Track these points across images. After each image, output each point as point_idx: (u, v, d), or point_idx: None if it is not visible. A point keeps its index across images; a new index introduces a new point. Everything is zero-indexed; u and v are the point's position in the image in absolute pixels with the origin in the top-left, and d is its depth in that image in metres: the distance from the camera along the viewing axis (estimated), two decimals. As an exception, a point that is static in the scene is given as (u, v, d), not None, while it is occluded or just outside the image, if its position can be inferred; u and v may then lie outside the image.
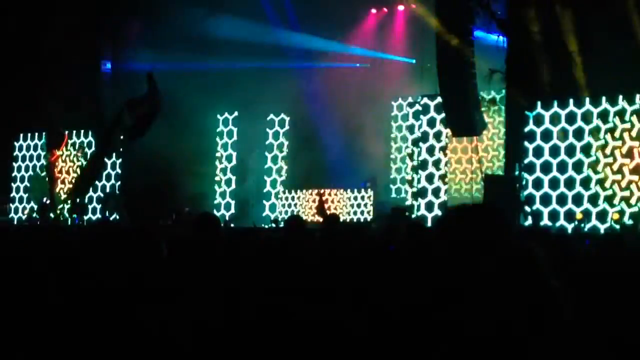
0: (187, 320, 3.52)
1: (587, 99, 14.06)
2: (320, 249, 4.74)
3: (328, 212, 16.01)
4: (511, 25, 13.34)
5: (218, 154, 19.93)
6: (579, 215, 13.77)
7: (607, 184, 13.69)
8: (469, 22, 13.77)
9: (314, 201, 18.13)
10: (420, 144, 16.72)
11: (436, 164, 16.48)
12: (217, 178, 19.79)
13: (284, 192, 19.38)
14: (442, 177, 16.48)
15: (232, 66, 20.23)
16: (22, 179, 20.55)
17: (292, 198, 19.03)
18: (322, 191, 16.20)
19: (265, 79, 19.55)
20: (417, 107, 17.49)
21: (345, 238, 4.08)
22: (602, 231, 13.28)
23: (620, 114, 13.78)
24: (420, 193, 16.56)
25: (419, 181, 16.77)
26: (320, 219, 10.35)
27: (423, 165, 16.70)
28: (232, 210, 19.38)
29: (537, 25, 12.98)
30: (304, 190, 18.90)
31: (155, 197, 17.20)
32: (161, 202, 16.81)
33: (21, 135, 20.70)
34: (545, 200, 14.22)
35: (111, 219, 17.37)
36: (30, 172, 20.17)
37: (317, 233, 6.70)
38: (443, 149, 16.56)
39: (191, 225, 4.67)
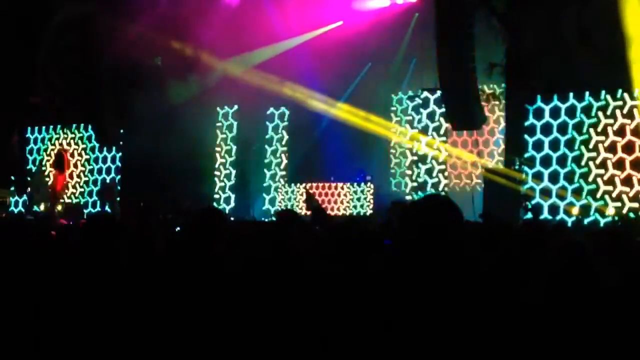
0: (185, 318, 3.50)
1: (587, 93, 14.08)
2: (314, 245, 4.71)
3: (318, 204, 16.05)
4: (511, 18, 13.29)
5: (218, 148, 19.94)
6: (575, 211, 13.79)
7: (609, 178, 13.74)
8: (469, 15, 13.73)
9: (301, 195, 18.12)
10: (421, 137, 16.77)
11: (436, 157, 16.54)
12: (216, 172, 19.80)
13: (283, 186, 19.36)
14: (442, 171, 16.56)
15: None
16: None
17: (293, 192, 18.98)
18: (308, 185, 16.12)
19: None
20: (417, 100, 17.54)
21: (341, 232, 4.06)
22: (602, 225, 13.28)
23: (622, 107, 13.81)
24: (421, 186, 16.62)
25: (419, 175, 16.82)
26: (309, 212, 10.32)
27: (423, 158, 16.76)
28: (232, 204, 19.40)
29: (537, 18, 12.93)
30: (300, 184, 18.82)
31: (154, 191, 17.18)
32: (160, 196, 16.78)
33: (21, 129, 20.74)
34: (546, 193, 14.26)
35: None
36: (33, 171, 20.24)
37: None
38: (443, 143, 16.63)
39: (192, 219, 4.60)
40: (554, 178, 14.26)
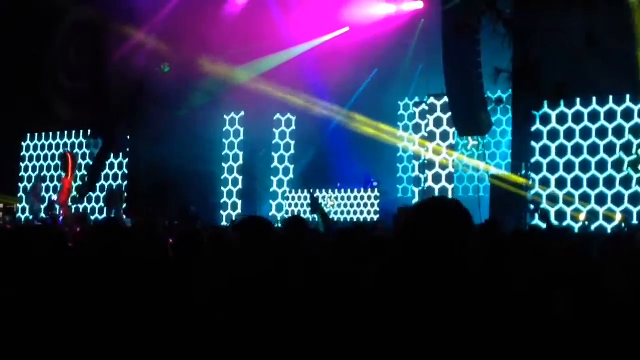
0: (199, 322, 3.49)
1: (594, 98, 14.06)
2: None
3: (326, 209, 16.04)
4: (517, 23, 13.27)
5: (225, 154, 19.99)
6: (582, 217, 13.76)
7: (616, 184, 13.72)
8: (475, 20, 13.73)
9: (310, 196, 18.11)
10: (427, 143, 16.83)
11: (443, 163, 16.56)
12: (223, 178, 19.85)
13: (290, 192, 19.38)
14: (449, 177, 16.58)
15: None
16: (29, 179, 20.64)
17: (299, 198, 18.99)
18: (311, 190, 16.11)
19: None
20: (424, 106, 17.57)
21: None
22: (609, 231, 13.25)
23: (629, 112, 13.79)
24: (427, 192, 16.64)
25: (425, 180, 16.83)
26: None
27: (430, 165, 16.79)
28: (239, 210, 19.43)
29: (544, 23, 12.91)
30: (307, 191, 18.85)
31: (161, 196, 17.22)
32: (167, 202, 16.81)
33: (28, 135, 20.81)
34: (552, 199, 14.23)
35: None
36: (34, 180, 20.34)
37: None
38: (450, 149, 16.65)
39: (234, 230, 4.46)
40: (560, 184, 14.23)
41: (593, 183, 13.90)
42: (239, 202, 19.56)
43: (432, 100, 17.02)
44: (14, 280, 3.59)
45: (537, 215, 13.87)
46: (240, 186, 19.70)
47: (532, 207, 13.91)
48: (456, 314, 2.44)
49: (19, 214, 20.02)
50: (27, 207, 19.45)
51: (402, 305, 2.49)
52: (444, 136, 16.90)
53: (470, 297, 2.47)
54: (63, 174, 18.38)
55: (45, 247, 3.85)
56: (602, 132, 13.94)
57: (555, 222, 13.80)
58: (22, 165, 20.82)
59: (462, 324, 2.42)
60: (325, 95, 18.57)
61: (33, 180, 20.34)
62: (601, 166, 13.87)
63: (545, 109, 14.47)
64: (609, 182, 13.75)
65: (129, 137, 18.84)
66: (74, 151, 19.70)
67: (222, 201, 19.70)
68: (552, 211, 14.13)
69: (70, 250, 4.88)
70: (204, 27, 17.53)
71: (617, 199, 13.62)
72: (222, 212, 19.63)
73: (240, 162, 19.84)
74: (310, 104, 18.48)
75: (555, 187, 14.25)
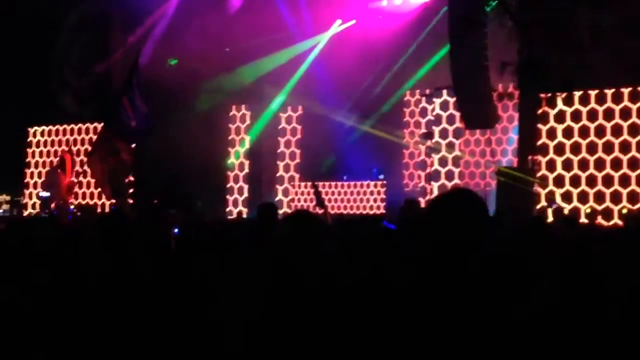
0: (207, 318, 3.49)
1: (601, 92, 14.03)
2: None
3: (328, 203, 16.06)
4: (524, 16, 13.24)
5: (230, 138, 20.05)
6: (588, 211, 13.75)
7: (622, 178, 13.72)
8: (481, 13, 13.69)
9: (311, 190, 18.12)
10: (433, 127, 16.79)
11: (449, 147, 16.53)
12: (229, 172, 19.90)
13: (298, 186, 19.39)
14: (455, 160, 16.53)
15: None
16: (36, 172, 20.70)
17: (305, 186, 19.02)
18: (315, 182, 16.15)
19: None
20: (430, 99, 17.55)
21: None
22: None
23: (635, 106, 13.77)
24: (434, 176, 16.64)
25: (430, 177, 16.82)
26: (320, 211, 10.11)
27: (436, 157, 16.78)
28: (245, 194, 19.53)
29: (550, 16, 12.88)
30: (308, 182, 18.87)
31: (167, 190, 17.25)
32: (173, 195, 16.84)
33: (35, 128, 20.85)
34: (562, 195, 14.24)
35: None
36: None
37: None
38: (456, 133, 16.59)
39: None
40: (566, 179, 14.21)
41: (599, 177, 13.87)
42: (245, 187, 19.68)
43: (438, 93, 17.00)
44: (15, 272, 3.59)
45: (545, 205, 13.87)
46: (246, 170, 19.80)
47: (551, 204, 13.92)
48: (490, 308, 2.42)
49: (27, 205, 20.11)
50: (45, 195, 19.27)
51: (436, 303, 2.47)
52: (451, 129, 16.88)
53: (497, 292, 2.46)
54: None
55: (48, 239, 3.84)
56: (608, 126, 13.91)
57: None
58: (28, 158, 20.86)
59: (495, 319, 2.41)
60: (330, 90, 18.55)
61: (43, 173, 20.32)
62: (609, 160, 13.84)
63: (552, 102, 14.44)
64: (617, 177, 13.73)
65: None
66: (77, 148, 19.73)
67: (228, 186, 19.80)
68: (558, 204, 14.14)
69: (72, 242, 4.88)
70: (208, 23, 17.54)
71: (633, 197, 13.59)
72: (228, 196, 19.70)
73: (247, 146, 19.94)
74: (315, 102, 18.51)
75: (561, 181, 14.24)
